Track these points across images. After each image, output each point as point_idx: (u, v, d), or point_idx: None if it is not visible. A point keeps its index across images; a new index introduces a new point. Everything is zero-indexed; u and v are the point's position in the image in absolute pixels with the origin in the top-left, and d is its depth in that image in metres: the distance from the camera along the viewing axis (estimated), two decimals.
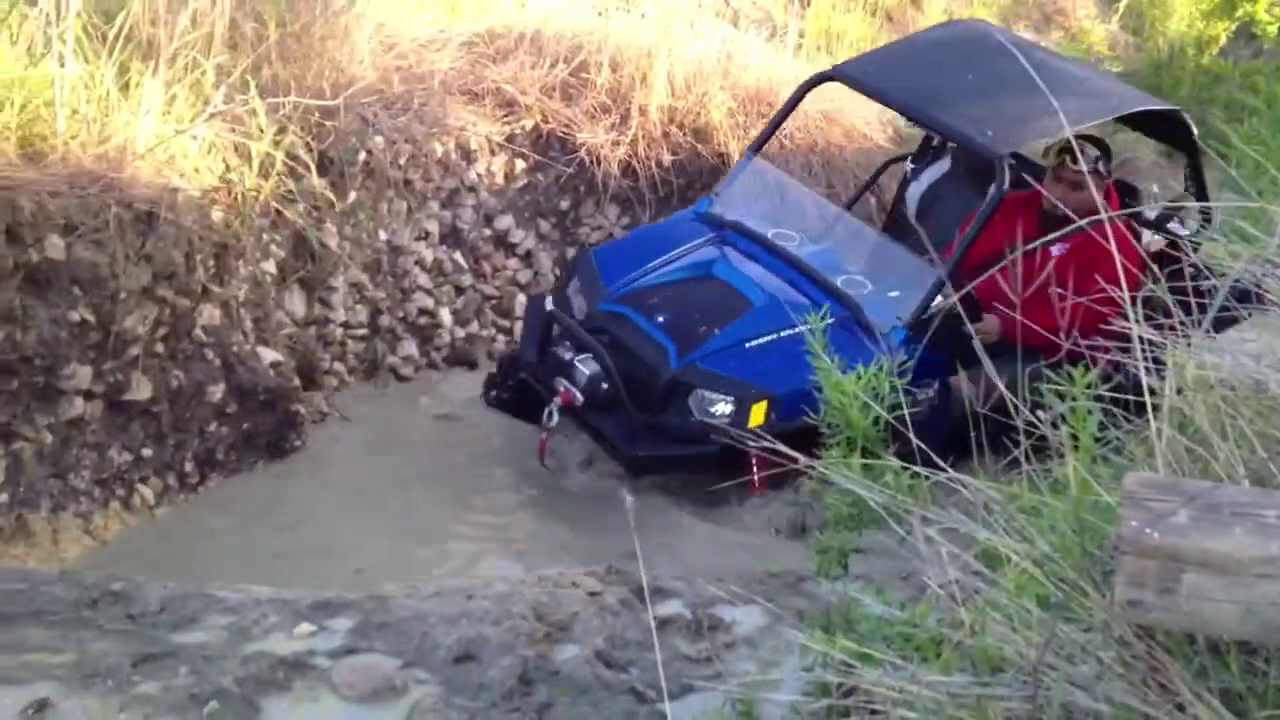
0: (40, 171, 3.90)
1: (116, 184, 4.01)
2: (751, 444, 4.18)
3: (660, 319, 4.77)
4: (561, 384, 4.71)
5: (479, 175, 5.81)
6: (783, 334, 4.60)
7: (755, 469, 4.51)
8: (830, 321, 4.37)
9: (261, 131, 4.57)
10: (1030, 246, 4.67)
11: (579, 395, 4.67)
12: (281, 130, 4.69)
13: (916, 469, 2.18)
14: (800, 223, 5.18)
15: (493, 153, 5.84)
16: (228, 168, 4.49)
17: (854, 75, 5.27)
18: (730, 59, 6.52)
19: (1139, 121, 5.63)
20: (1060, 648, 1.49)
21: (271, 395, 4.58)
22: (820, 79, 5.36)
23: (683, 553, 4.38)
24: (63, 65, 4.05)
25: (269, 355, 4.66)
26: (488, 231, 5.92)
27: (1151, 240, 5.16)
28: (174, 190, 4.18)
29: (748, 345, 4.67)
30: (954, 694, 1.58)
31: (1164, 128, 5.57)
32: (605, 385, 4.63)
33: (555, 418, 4.73)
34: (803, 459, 2.24)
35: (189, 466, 4.44)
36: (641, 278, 4.96)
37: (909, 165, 5.97)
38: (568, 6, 6.47)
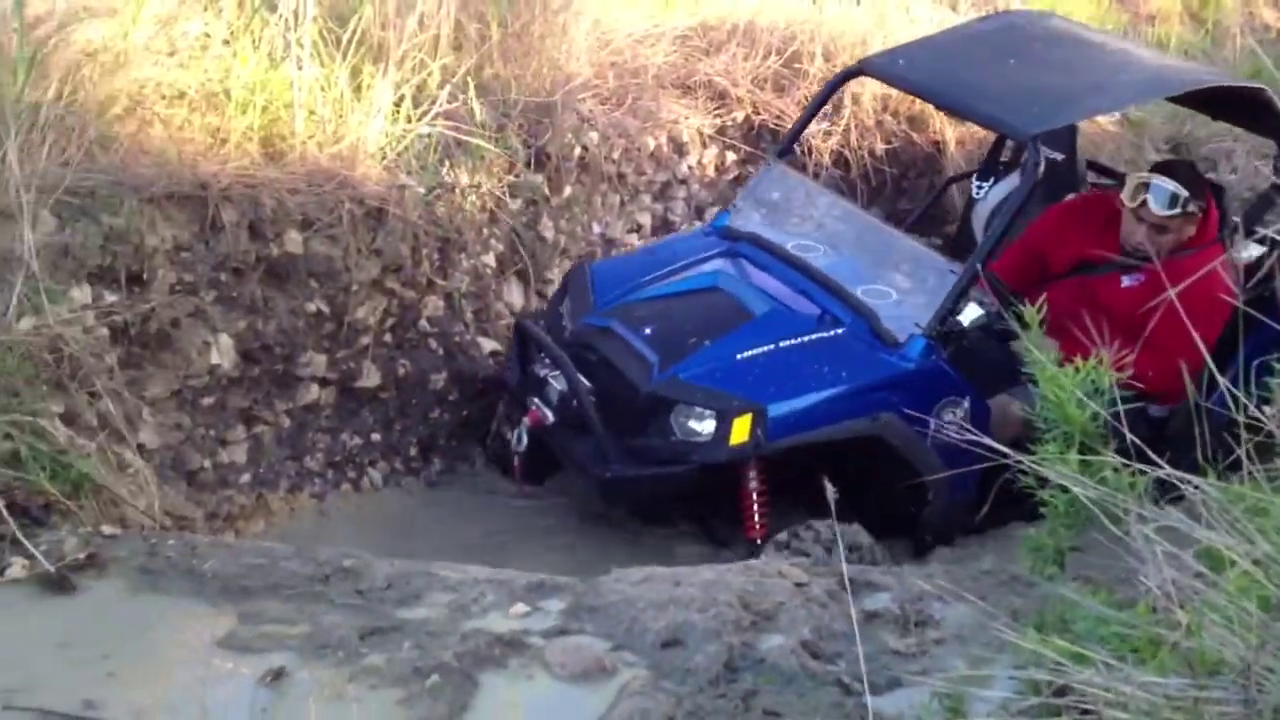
0: (280, 170, 4.14)
1: (349, 181, 4.21)
2: (752, 481, 4.02)
3: (647, 331, 4.24)
4: (533, 402, 4.26)
5: (690, 168, 5.86)
6: (781, 345, 4.12)
7: (755, 507, 4.08)
8: (838, 332, 4.13)
9: (483, 129, 4.73)
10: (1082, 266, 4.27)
11: (549, 414, 4.20)
12: (501, 128, 4.84)
13: (1135, 465, 2.11)
14: (825, 232, 4.63)
15: (704, 145, 5.88)
16: (451, 165, 4.66)
17: (882, 68, 4.79)
18: None
19: (1215, 103, 4.78)
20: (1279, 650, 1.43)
21: (489, 384, 4.74)
22: (848, 75, 4.88)
23: None
24: (300, 69, 4.28)
25: (489, 345, 4.82)
26: (699, 223, 5.97)
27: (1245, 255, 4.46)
28: (401, 187, 4.37)
29: (739, 357, 4.12)
30: (1169, 696, 1.54)
31: (1246, 110, 4.67)
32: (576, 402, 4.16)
33: (524, 440, 4.27)
34: (1013, 455, 2.19)
35: (413, 451, 4.64)
36: (636, 291, 4.46)
37: (974, 183, 5.38)
38: None
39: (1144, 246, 4.13)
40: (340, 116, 4.37)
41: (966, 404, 4.08)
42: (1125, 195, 4.25)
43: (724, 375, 4.07)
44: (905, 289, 4.29)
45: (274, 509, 4.17)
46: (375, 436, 4.51)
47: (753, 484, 4.07)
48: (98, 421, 3.39)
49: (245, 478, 4.10)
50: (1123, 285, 4.24)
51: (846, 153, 6.06)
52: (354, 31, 4.45)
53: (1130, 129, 6.65)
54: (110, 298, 3.60)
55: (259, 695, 2.38)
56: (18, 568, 2.78)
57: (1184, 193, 4.17)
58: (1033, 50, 4.56)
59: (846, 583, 2.71)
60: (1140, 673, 1.66)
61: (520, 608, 2.71)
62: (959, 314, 4.07)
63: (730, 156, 5.99)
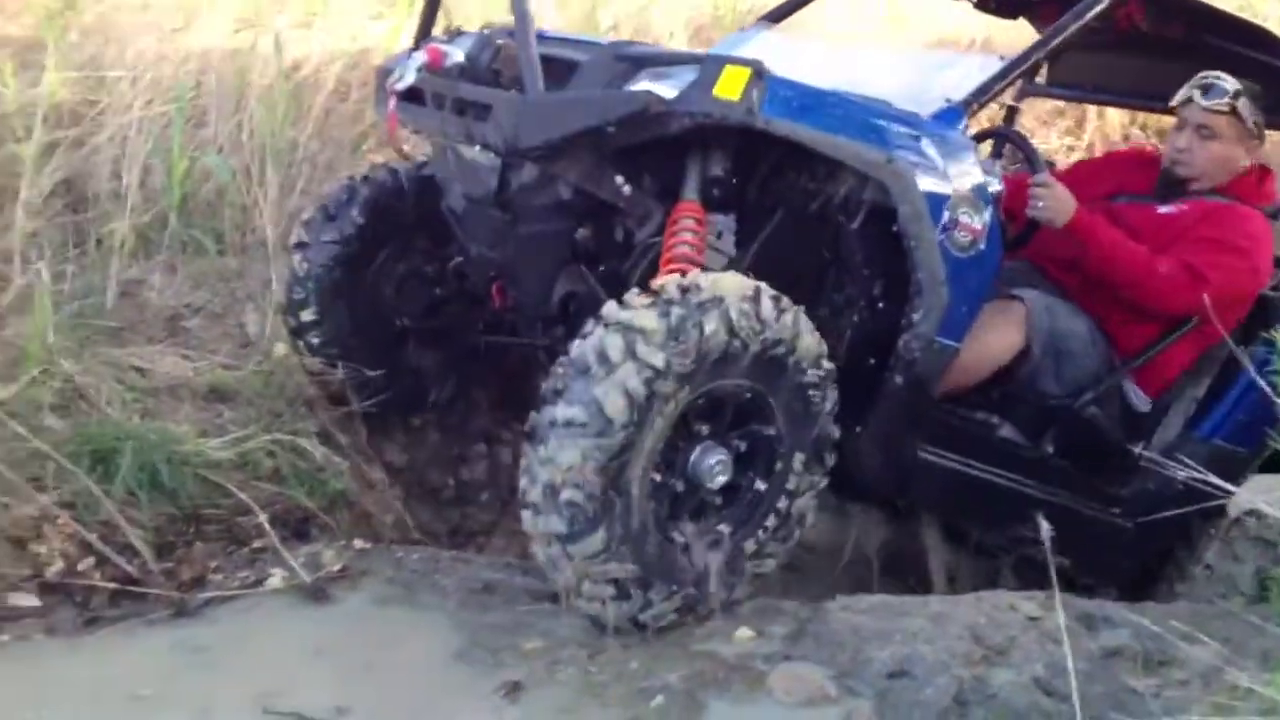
0: None
1: None
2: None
3: None
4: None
5: None
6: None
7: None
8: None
9: None
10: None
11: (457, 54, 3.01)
12: None
13: None
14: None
15: None
16: None
17: None
18: None
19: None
20: None
21: None
22: None
23: None
24: None
25: None
26: None
27: None
28: None
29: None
30: None
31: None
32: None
33: (408, 78, 2.99)
34: None
35: None
36: None
37: None
38: None
39: (1184, 158, 3.53)
40: None
41: (987, 217, 3.00)
42: (1176, 98, 3.60)
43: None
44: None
45: (513, 526, 4.32)
46: None
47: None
48: (350, 441, 3.61)
49: (485, 495, 4.26)
50: (1159, 211, 3.57)
51: None
52: None
53: None
54: None
55: (497, 707, 2.48)
56: (277, 578, 2.98)
57: (1235, 86, 3.48)
58: None
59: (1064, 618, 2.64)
60: None
61: (746, 632, 2.74)
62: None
63: None
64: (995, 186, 3.02)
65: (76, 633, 2.77)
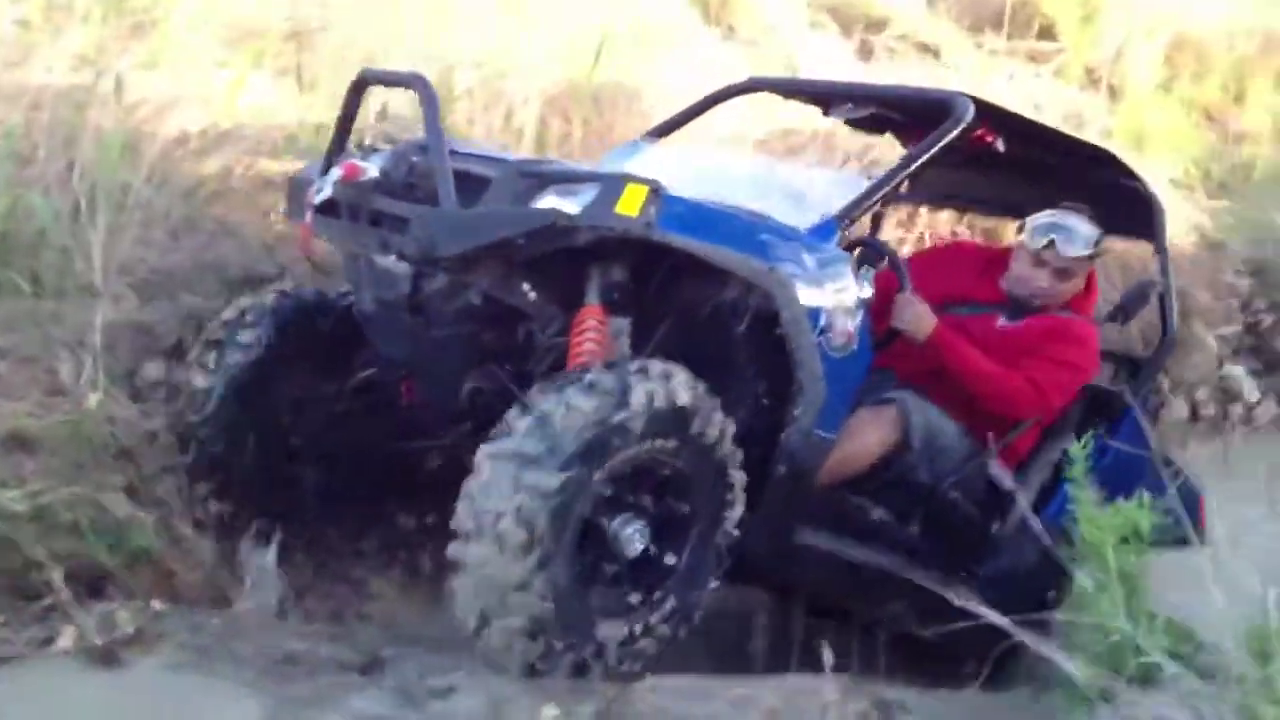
0: None
1: None
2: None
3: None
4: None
5: None
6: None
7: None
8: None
9: None
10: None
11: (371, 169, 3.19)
12: None
13: None
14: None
15: None
16: None
17: (772, 80, 4.87)
18: None
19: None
20: None
21: None
22: (737, 90, 4.30)
23: None
24: None
25: None
26: None
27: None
28: None
29: None
30: None
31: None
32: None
33: (326, 192, 3.19)
34: None
35: None
36: None
37: None
38: None
39: (1041, 293, 3.88)
40: None
41: (859, 319, 3.26)
42: (1026, 237, 3.92)
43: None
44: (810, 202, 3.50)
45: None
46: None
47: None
48: (158, 495, 3.48)
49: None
50: (998, 325, 3.90)
51: None
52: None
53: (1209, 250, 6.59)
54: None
55: None
56: (68, 638, 2.85)
57: (1092, 233, 3.89)
58: None
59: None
60: None
61: (551, 710, 2.71)
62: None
63: None
64: (866, 293, 3.31)
65: None
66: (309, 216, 3.21)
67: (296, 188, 3.36)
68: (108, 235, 3.81)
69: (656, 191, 2.97)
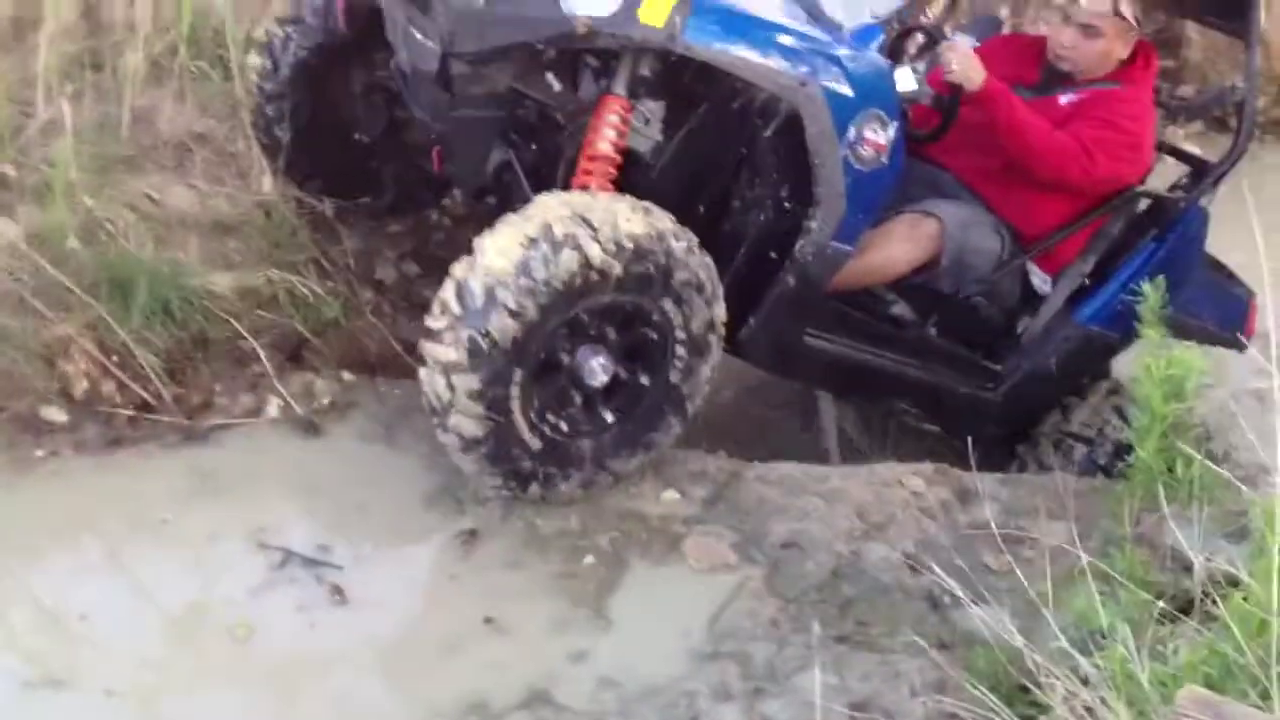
0: None
1: None
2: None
3: None
4: None
5: None
6: None
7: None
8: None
9: None
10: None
11: None
12: None
13: None
14: None
15: None
16: None
17: None
18: None
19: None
20: None
21: None
22: None
23: None
24: None
25: None
26: None
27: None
28: None
29: None
30: None
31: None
32: None
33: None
34: None
35: None
36: None
37: None
38: None
39: (1068, 53, 3.76)
40: None
41: (892, 133, 3.24)
42: None
43: None
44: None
45: None
46: None
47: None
48: (342, 265, 3.96)
49: None
50: (1061, 102, 3.78)
51: None
52: None
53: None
54: None
55: (454, 556, 2.97)
56: (274, 408, 3.42)
57: None
58: None
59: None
60: None
61: (671, 494, 3.19)
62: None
63: None
64: (911, 86, 3.25)
65: (101, 452, 3.21)
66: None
67: None
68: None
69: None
